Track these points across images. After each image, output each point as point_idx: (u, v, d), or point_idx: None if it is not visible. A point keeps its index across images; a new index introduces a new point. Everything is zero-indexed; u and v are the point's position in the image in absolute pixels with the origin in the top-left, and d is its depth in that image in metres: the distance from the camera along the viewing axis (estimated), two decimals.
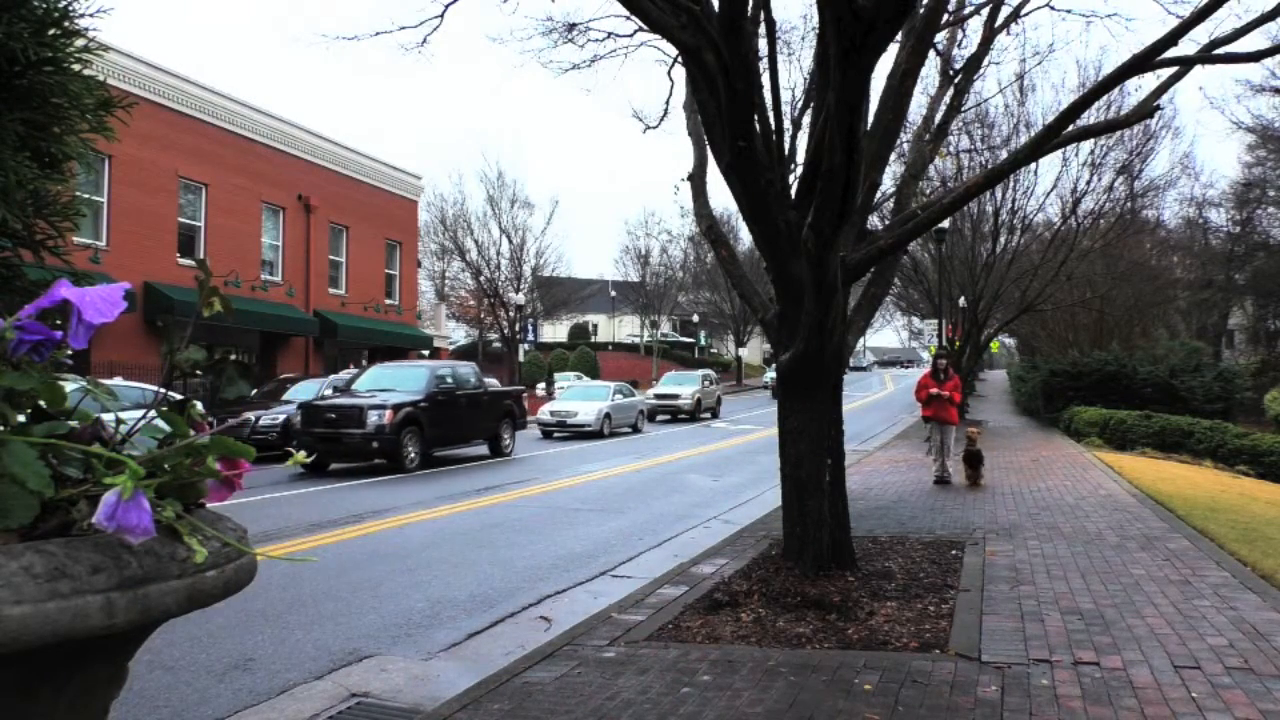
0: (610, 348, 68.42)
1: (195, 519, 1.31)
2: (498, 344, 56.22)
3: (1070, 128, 7.84)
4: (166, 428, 1.35)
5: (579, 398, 27.44)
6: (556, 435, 25.58)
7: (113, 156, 21.93)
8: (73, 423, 1.29)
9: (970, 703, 4.45)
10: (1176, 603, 6.32)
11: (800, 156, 8.54)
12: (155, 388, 1.43)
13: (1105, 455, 18.46)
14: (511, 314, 49.29)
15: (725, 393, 51.51)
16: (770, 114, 7.39)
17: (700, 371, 38.25)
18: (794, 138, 9.65)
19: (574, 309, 63.29)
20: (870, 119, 7.98)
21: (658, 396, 33.88)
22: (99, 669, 1.31)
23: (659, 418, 33.16)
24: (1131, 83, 16.17)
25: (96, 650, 1.24)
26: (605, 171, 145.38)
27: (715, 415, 34.56)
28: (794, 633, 5.75)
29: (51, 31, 2.05)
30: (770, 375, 50.23)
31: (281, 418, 18.35)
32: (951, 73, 11.05)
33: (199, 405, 1.39)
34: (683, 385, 34.47)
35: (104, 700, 1.36)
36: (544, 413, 26.45)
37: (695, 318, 68.73)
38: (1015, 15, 11.43)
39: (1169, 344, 33.91)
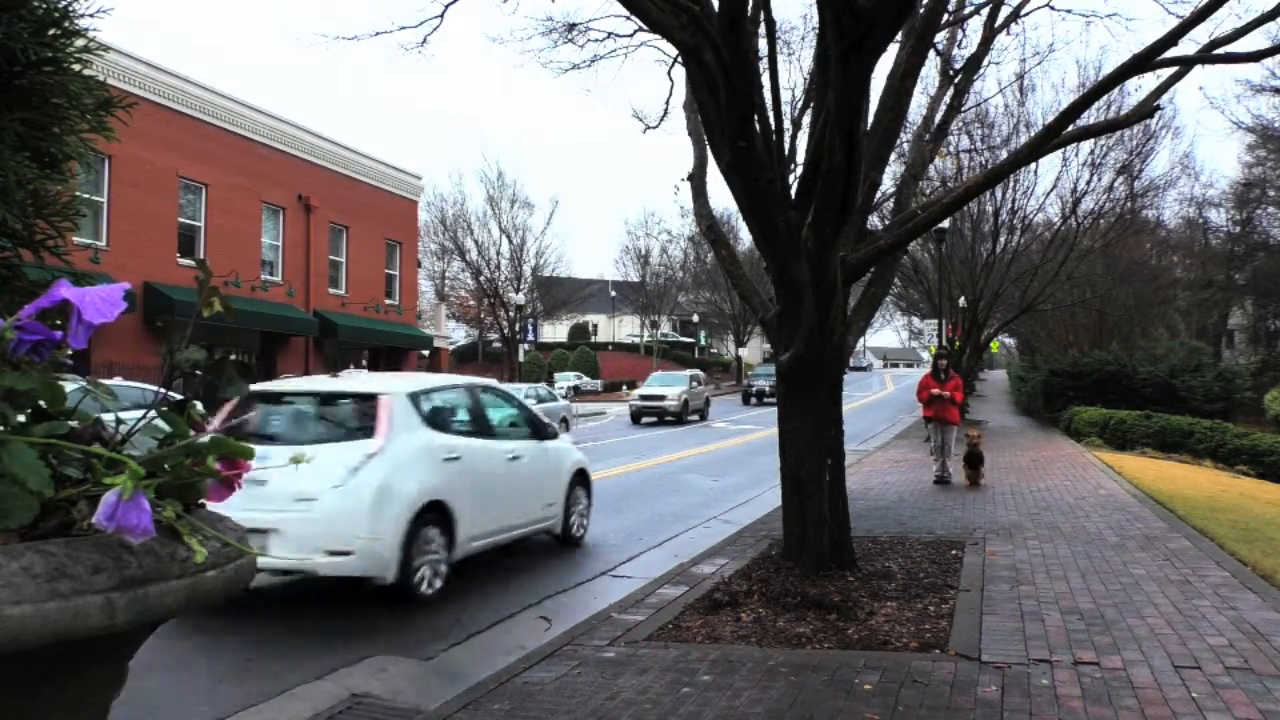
0: (610, 348, 68.43)
1: (195, 519, 1.31)
2: (498, 344, 56.29)
3: (1070, 128, 7.84)
4: (166, 428, 1.35)
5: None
6: None
7: (113, 156, 21.92)
8: (73, 423, 1.29)
9: (970, 703, 4.45)
10: (1176, 603, 6.32)
11: (800, 156, 8.54)
12: (155, 388, 1.44)
13: (1105, 455, 18.45)
14: (511, 314, 49.34)
15: (726, 393, 51.48)
16: (770, 114, 7.39)
17: (688, 372, 36.96)
18: (794, 138, 9.66)
19: (574, 309, 63.32)
20: (870, 119, 7.98)
21: (643, 398, 32.32)
22: (99, 669, 1.31)
23: (644, 420, 31.55)
24: (1131, 83, 16.16)
25: (97, 650, 1.24)
26: (605, 171, 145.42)
27: (703, 417, 33.16)
28: (794, 633, 5.75)
29: (51, 31, 2.05)
30: (753, 376, 47.04)
31: None
32: (951, 73, 11.05)
33: (199, 405, 1.40)
34: (669, 386, 33.01)
35: (104, 700, 1.36)
36: None
37: (695, 318, 68.75)
38: (1015, 15, 11.43)
39: (1169, 344, 33.90)
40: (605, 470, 16.94)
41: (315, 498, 6.59)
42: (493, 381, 10.37)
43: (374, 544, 6.62)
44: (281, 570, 6.74)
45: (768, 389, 40.41)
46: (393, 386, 7.63)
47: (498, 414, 9.01)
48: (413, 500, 6.92)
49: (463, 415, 8.41)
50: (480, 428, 8.46)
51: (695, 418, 32.86)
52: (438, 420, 7.82)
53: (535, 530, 8.98)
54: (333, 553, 6.56)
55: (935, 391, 13.76)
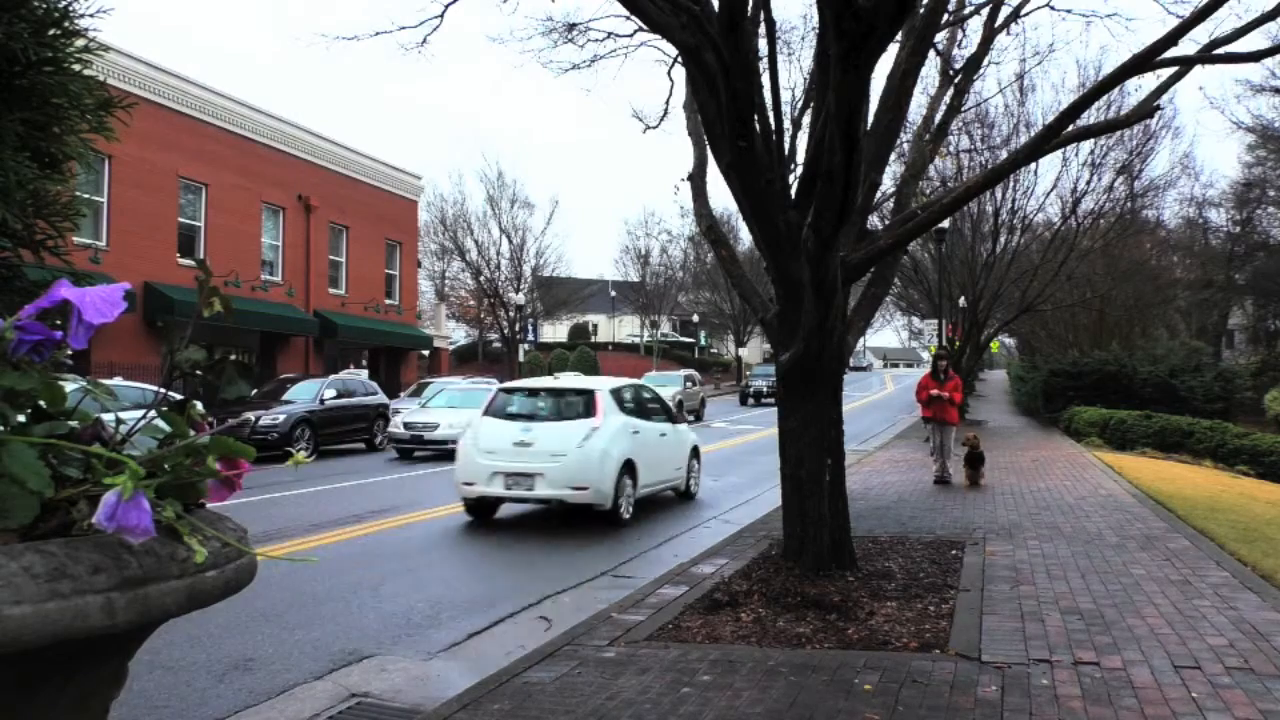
0: (610, 348, 68.35)
1: (195, 519, 1.31)
2: (498, 344, 56.25)
3: (1070, 128, 7.84)
4: (166, 428, 1.35)
5: (451, 404, 20.00)
6: (418, 455, 19.09)
7: (113, 156, 21.92)
8: (73, 423, 1.29)
9: (970, 703, 4.45)
10: (1176, 603, 6.32)
11: (800, 156, 8.54)
12: (155, 388, 1.44)
13: (1105, 455, 18.46)
14: (511, 314, 49.31)
15: (725, 393, 51.44)
16: (770, 114, 7.39)
17: (682, 372, 36.59)
18: (794, 138, 9.64)
19: (574, 309, 63.25)
20: (870, 119, 7.98)
21: None
22: (99, 669, 1.31)
23: None
24: (1131, 83, 16.16)
25: (97, 650, 1.24)
26: (605, 171, 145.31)
27: (699, 418, 32.61)
28: (794, 633, 5.75)
29: (51, 31, 2.05)
30: (751, 376, 45.77)
31: (282, 418, 18.37)
32: (951, 73, 11.04)
33: (199, 405, 1.39)
34: (663, 386, 31.30)
35: (104, 700, 1.36)
36: (397, 425, 19.76)
37: (695, 318, 68.69)
38: (1015, 15, 11.43)
39: (1169, 344, 33.89)
40: None
41: (565, 454, 10.33)
42: (645, 382, 14.40)
43: (601, 483, 10.29)
44: (544, 500, 10.63)
45: (766, 389, 40.15)
46: (600, 384, 11.71)
47: (650, 404, 12.68)
48: (619, 458, 10.62)
49: (634, 404, 11.99)
50: (643, 413, 12.08)
51: (690, 418, 32.05)
52: (623, 407, 11.50)
53: (669, 487, 12.44)
54: (576, 488, 10.25)
55: (934, 392, 13.77)
